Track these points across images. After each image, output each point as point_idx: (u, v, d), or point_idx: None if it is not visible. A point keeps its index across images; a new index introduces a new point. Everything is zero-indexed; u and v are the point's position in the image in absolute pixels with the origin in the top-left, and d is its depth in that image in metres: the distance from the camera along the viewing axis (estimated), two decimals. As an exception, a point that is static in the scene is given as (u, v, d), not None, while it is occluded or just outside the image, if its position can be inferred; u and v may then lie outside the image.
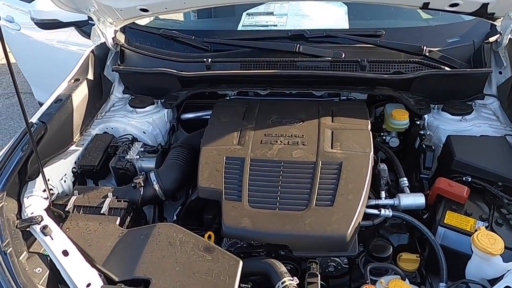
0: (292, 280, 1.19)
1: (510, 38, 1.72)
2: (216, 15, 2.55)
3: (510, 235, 1.28)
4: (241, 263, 1.20)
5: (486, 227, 1.31)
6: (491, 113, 1.74)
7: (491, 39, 1.75)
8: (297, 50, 1.82)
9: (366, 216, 1.43)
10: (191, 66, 1.87)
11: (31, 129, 1.55)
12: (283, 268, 1.24)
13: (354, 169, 1.43)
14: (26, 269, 1.15)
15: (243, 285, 1.21)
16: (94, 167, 1.67)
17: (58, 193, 1.58)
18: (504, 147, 1.53)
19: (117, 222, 1.42)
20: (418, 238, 1.46)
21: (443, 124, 1.71)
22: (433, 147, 1.65)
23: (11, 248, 1.17)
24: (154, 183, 1.57)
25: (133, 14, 1.78)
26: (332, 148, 1.52)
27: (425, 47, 1.77)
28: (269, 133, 1.62)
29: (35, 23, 2.42)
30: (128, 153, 1.72)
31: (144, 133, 1.89)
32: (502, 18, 1.63)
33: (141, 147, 1.78)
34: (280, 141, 1.57)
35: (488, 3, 1.53)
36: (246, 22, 2.10)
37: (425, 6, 1.57)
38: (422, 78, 1.71)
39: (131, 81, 2.03)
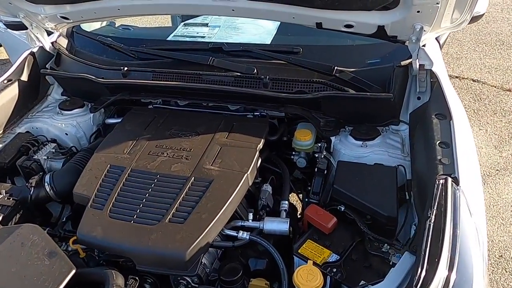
0: (122, 293, 1.21)
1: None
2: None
3: (355, 273, 1.22)
4: (73, 271, 1.23)
5: (337, 261, 1.26)
6: (399, 140, 1.65)
7: (403, 63, 1.65)
8: (210, 63, 1.83)
9: (230, 238, 1.42)
10: (110, 73, 1.93)
11: None
12: (119, 281, 1.26)
13: (221, 188, 1.42)
14: None
15: (77, 292, 1.24)
16: (5, 164, 1.77)
17: (-33, 183, 1.69)
18: (389, 179, 1.44)
19: (-1, 219, 1.50)
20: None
21: (344, 149, 1.64)
22: (325, 171, 1.59)
23: None
24: (46, 184, 1.64)
25: (57, 21, 1.87)
26: (211, 164, 1.52)
27: (335, 67, 1.71)
28: (160, 145, 1.64)
29: (4, 24, 2.61)
30: (37, 153, 1.81)
31: (67, 134, 1.97)
32: (407, 41, 1.54)
33: (53, 148, 1.86)
34: (167, 153, 1.59)
35: (384, 26, 1.46)
36: (179, 32, 2.13)
37: (319, 26, 1.52)
38: (326, 99, 1.66)
39: (64, 84, 2.12)
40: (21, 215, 1.60)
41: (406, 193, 1.43)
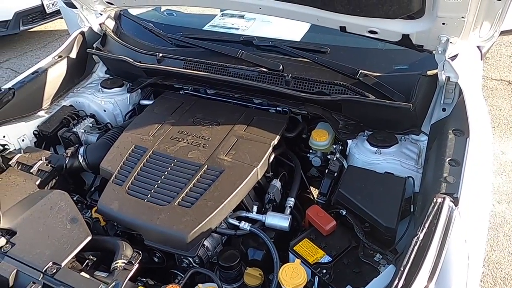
0: (126, 264, 1.34)
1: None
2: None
3: (343, 277, 1.26)
4: (89, 238, 1.38)
5: (328, 263, 1.30)
6: (416, 151, 1.62)
7: (429, 73, 1.61)
8: (239, 56, 1.89)
9: (233, 226, 1.51)
10: (147, 57, 2.05)
11: (-1, 93, 1.90)
12: (127, 252, 1.39)
13: (230, 179, 1.50)
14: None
15: (91, 256, 1.40)
16: (49, 133, 1.98)
17: (15, 148, 1.91)
18: (395, 190, 1.44)
19: (37, 182, 1.69)
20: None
21: (358, 153, 1.65)
22: (335, 174, 1.62)
23: None
24: (80, 156, 1.81)
25: (105, 5, 2.01)
26: (225, 155, 1.60)
27: (360, 71, 1.70)
28: (182, 131, 1.74)
29: (64, 2, 2.83)
30: (76, 126, 1.99)
31: (105, 111, 2.14)
32: (434, 52, 1.50)
33: (90, 123, 2.04)
34: (187, 140, 1.69)
35: (409, 34, 1.43)
36: (215, 22, 2.19)
37: (342, 30, 1.51)
38: (346, 102, 1.67)
39: (108, 64, 2.28)
40: (57, 181, 1.79)
41: (412, 205, 1.43)
